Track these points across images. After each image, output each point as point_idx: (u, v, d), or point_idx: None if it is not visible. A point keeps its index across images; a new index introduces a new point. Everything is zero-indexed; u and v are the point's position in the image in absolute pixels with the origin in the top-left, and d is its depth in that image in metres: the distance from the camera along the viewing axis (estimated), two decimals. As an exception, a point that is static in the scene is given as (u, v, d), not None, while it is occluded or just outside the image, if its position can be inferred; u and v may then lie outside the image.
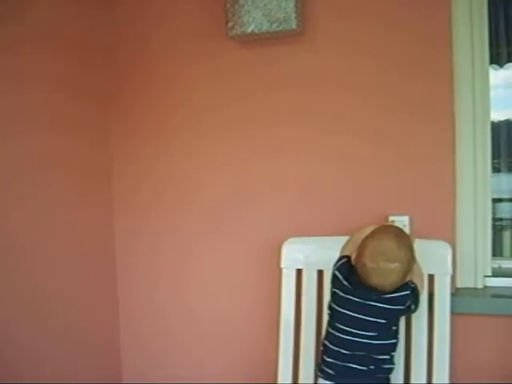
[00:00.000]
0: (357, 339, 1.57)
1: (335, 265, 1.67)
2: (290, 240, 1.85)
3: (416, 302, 1.61)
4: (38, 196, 1.83)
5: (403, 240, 1.57)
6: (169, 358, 2.16)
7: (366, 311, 1.57)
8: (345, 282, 1.62)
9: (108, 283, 2.18)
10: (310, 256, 1.83)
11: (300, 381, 1.80)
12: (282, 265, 1.85)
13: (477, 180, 1.83)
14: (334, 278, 1.66)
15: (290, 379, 1.81)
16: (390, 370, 1.61)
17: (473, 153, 1.82)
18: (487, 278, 1.85)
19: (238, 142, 2.03)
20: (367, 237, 1.59)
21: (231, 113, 2.03)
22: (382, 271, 1.53)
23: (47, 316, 1.86)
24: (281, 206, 1.98)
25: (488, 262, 1.86)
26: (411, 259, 1.56)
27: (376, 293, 1.56)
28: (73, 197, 1.99)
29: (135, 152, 2.17)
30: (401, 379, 1.69)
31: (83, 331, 2.02)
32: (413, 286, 1.60)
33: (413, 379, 1.68)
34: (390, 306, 1.57)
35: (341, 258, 1.68)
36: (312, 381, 1.77)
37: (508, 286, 1.84)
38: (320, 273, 1.82)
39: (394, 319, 1.60)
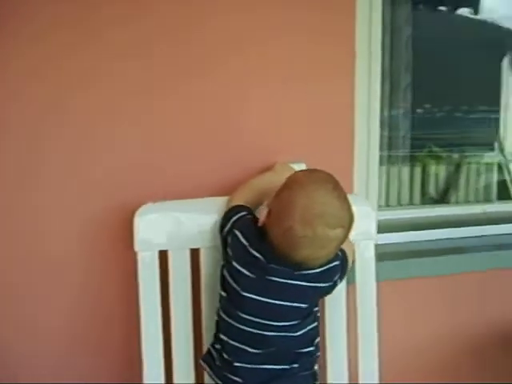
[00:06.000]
0: (270, 333, 1.08)
1: (228, 220, 1.14)
2: (145, 208, 1.19)
3: (343, 275, 1.17)
4: None
5: (343, 194, 1.07)
6: None
7: (281, 294, 1.07)
8: (251, 250, 1.08)
9: None
10: (178, 230, 1.20)
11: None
12: (137, 247, 1.19)
13: (370, 133, 1.48)
14: (233, 242, 1.11)
15: None
16: (316, 360, 1.17)
17: (367, 105, 1.46)
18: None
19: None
20: (291, 187, 1.06)
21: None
22: (319, 240, 1.02)
23: None
24: (127, 161, 1.28)
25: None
26: (352, 221, 1.08)
27: (298, 268, 1.06)
28: None
29: None
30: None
31: None
32: (340, 253, 1.14)
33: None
34: (316, 284, 1.09)
35: (235, 210, 1.15)
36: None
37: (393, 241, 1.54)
38: (195, 253, 1.22)
39: (317, 300, 1.15)
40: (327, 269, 1.09)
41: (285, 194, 1.05)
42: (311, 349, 1.12)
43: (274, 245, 1.04)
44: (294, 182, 1.07)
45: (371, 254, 1.28)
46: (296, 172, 1.11)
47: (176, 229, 1.20)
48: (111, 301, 1.31)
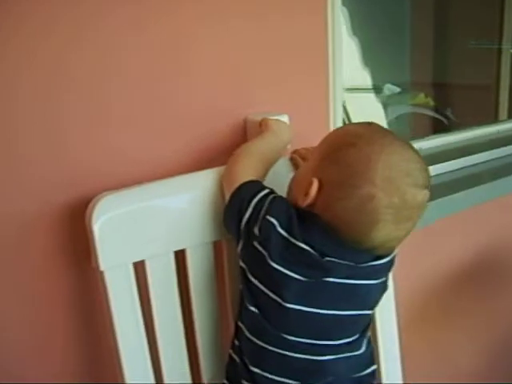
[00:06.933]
0: (328, 358, 0.78)
1: (247, 203, 0.78)
2: (106, 200, 0.77)
3: None
4: None
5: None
6: None
7: (341, 300, 0.78)
8: (296, 242, 0.75)
9: None
10: (156, 226, 0.81)
11: None
12: (102, 264, 0.77)
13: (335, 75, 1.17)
14: (267, 234, 0.75)
15: None
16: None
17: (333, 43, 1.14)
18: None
19: None
20: (354, 144, 0.74)
21: None
22: (407, 209, 0.73)
23: None
24: (71, 134, 0.82)
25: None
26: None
27: (367, 257, 0.77)
28: None
29: None
30: None
31: None
32: None
33: None
34: (378, 281, 0.81)
35: (250, 188, 0.80)
36: None
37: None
38: (180, 257, 0.85)
39: (378, 302, 0.86)
40: (391, 259, 0.81)
41: (347, 154, 0.74)
42: (373, 368, 0.84)
43: (338, 228, 0.74)
44: (355, 137, 0.75)
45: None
46: (346, 125, 0.79)
47: (150, 226, 0.81)
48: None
